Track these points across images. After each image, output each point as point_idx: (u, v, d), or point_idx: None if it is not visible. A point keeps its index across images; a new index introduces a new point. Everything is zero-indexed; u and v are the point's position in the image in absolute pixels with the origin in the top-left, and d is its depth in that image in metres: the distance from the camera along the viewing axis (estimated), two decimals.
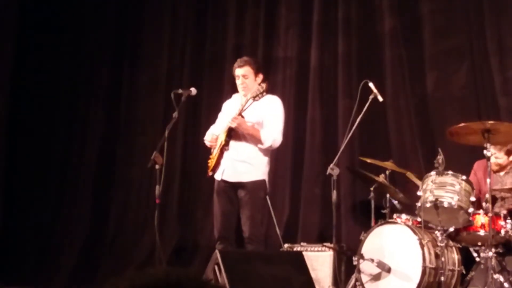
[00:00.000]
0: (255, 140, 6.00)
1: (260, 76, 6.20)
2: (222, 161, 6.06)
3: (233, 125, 5.91)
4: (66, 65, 9.27)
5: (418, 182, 6.10)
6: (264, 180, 6.12)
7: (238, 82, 6.18)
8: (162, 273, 1.95)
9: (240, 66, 6.19)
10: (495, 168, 6.36)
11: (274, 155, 6.34)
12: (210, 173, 6.18)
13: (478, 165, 6.50)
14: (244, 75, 6.14)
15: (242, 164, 6.01)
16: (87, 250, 8.71)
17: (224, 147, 5.99)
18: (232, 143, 6.02)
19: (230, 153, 6.02)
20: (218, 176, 6.11)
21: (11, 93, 8.96)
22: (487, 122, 5.42)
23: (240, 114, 5.87)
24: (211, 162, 6.12)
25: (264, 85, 5.78)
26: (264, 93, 5.80)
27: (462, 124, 5.52)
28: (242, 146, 6.03)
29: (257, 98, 5.77)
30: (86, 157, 9.16)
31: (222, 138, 6.02)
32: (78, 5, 9.36)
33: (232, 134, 5.98)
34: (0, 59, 8.85)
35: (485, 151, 5.42)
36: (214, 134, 6.20)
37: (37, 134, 9.09)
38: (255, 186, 6.02)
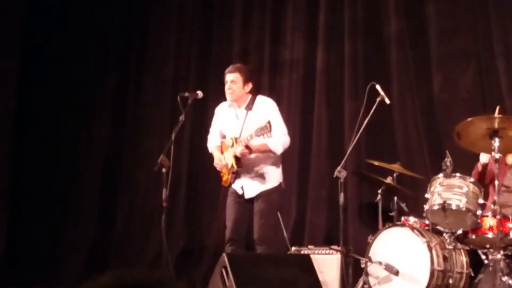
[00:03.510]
0: (265, 153, 5.99)
1: (250, 85, 6.16)
2: (238, 180, 6.07)
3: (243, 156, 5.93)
4: (72, 68, 9.29)
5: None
6: (279, 184, 6.13)
7: (226, 87, 6.15)
8: (116, 278, 1.92)
9: (230, 72, 6.17)
10: (510, 160, 6.32)
11: (281, 157, 6.33)
12: (226, 185, 6.18)
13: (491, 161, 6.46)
14: (232, 80, 6.11)
15: (257, 179, 6.05)
16: (94, 253, 8.71)
17: (235, 170, 6.00)
18: (243, 163, 6.03)
19: (243, 172, 6.03)
20: (236, 188, 6.11)
21: (18, 96, 8.98)
22: (494, 116, 5.37)
23: (247, 146, 5.84)
24: (226, 178, 6.12)
25: (269, 126, 5.65)
26: (269, 134, 5.71)
27: (469, 119, 5.46)
28: (254, 164, 6.05)
29: (262, 135, 5.69)
30: (93, 160, 9.18)
31: (230, 162, 6.01)
32: (85, 8, 9.37)
33: (240, 157, 5.98)
34: (6, 62, 8.86)
35: (493, 153, 5.38)
36: (221, 156, 6.14)
37: (44, 137, 9.10)
38: (270, 192, 6.06)
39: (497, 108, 5.76)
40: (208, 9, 9.00)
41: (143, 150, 8.85)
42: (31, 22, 9.12)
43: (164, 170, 5.74)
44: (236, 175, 6.06)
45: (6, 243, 8.61)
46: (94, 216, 8.96)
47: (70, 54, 9.30)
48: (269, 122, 5.65)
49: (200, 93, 6.15)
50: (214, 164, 6.22)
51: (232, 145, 6.00)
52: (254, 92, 6.27)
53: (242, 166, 6.02)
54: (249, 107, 6.10)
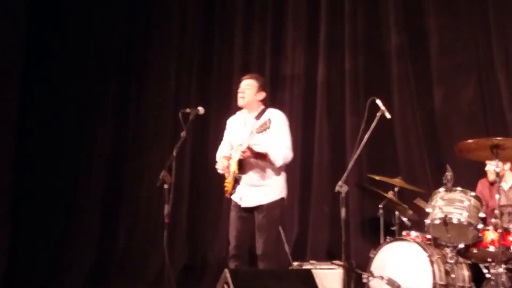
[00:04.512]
0: (267, 162, 5.98)
1: (262, 94, 6.20)
2: (238, 188, 6.05)
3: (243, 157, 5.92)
4: (73, 84, 9.31)
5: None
6: (281, 199, 6.10)
7: (239, 91, 6.21)
8: None
9: (246, 78, 6.25)
10: (491, 177, 6.34)
11: (285, 171, 6.32)
12: (227, 196, 6.16)
13: (482, 184, 6.49)
14: (247, 85, 6.17)
15: (258, 189, 5.99)
16: (96, 269, 8.70)
17: (238, 175, 5.98)
18: (246, 169, 6.02)
19: (245, 179, 6.01)
20: (236, 199, 6.10)
21: (19, 112, 9.01)
22: (495, 139, 5.39)
23: (248, 147, 5.85)
24: (227, 187, 6.10)
25: (268, 122, 5.72)
26: (268, 130, 5.75)
27: (469, 141, 5.49)
28: (256, 171, 6.01)
29: (262, 133, 5.74)
30: (94, 176, 9.18)
31: (234, 167, 6.00)
32: (86, 23, 9.41)
33: (243, 163, 5.97)
34: (8, 78, 8.90)
35: (494, 167, 5.40)
36: (224, 160, 6.15)
37: (45, 153, 9.12)
38: (272, 206, 5.99)
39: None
40: (209, 24, 9.04)
41: (145, 166, 8.85)
42: (31, 38, 9.16)
43: (166, 186, 5.72)
44: (237, 182, 6.05)
45: (8, 259, 8.62)
46: (96, 232, 8.95)
47: (71, 70, 9.32)
48: (269, 119, 5.68)
49: (201, 109, 6.13)
50: (216, 167, 6.21)
51: (236, 151, 6.01)
52: (266, 105, 6.29)
53: (244, 172, 6.02)
54: (258, 117, 6.10)
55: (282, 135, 6.04)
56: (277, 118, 6.06)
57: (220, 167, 6.12)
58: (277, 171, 6.07)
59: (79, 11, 9.45)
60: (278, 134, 5.99)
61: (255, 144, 5.86)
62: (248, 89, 6.15)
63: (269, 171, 6.03)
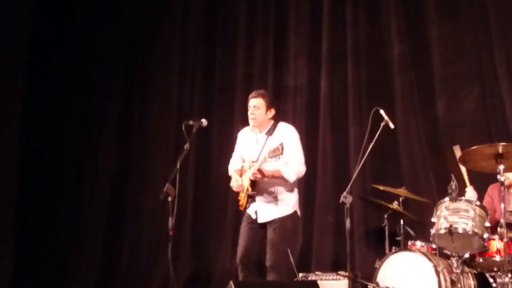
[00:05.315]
0: (279, 179, 6.01)
1: (272, 111, 6.24)
2: (253, 204, 6.09)
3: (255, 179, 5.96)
4: (76, 98, 9.32)
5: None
6: (294, 212, 6.15)
7: (249, 112, 6.22)
8: None
9: (253, 97, 6.26)
10: (507, 181, 6.31)
11: (297, 185, 6.33)
12: (242, 209, 6.19)
13: (492, 190, 6.46)
14: (256, 106, 6.19)
15: (271, 204, 6.08)
16: (100, 282, 8.69)
17: (251, 192, 6.01)
18: (258, 187, 6.06)
19: (258, 196, 6.08)
20: (251, 213, 6.13)
21: (22, 126, 9.01)
22: (498, 144, 5.39)
23: (259, 170, 5.87)
24: (242, 202, 6.14)
25: (280, 148, 5.74)
26: (281, 156, 5.77)
27: (473, 147, 5.49)
28: (269, 188, 6.08)
29: (274, 158, 5.77)
30: (98, 189, 9.18)
31: (246, 184, 6.04)
32: (88, 36, 9.43)
33: (255, 181, 6.00)
34: (11, 93, 8.90)
35: (498, 176, 5.38)
36: (238, 177, 6.18)
37: (49, 166, 9.12)
38: (284, 219, 6.08)
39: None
40: (211, 36, 9.04)
41: (149, 179, 8.85)
42: (35, 53, 9.17)
43: (170, 198, 5.72)
44: (252, 199, 6.08)
45: (13, 271, 8.61)
46: (100, 245, 8.95)
47: (74, 84, 9.34)
48: (281, 144, 5.72)
49: (204, 121, 6.14)
50: (230, 185, 6.23)
51: (250, 168, 6.04)
52: (276, 119, 6.30)
53: (257, 190, 6.04)
54: (270, 132, 6.17)
55: (293, 150, 6.08)
56: (289, 136, 6.13)
57: (234, 185, 6.17)
58: (290, 187, 6.14)
59: (79, 19, 9.50)
60: (290, 152, 6.01)
61: (269, 161, 5.88)
62: (258, 110, 6.20)
63: (282, 187, 6.11)
